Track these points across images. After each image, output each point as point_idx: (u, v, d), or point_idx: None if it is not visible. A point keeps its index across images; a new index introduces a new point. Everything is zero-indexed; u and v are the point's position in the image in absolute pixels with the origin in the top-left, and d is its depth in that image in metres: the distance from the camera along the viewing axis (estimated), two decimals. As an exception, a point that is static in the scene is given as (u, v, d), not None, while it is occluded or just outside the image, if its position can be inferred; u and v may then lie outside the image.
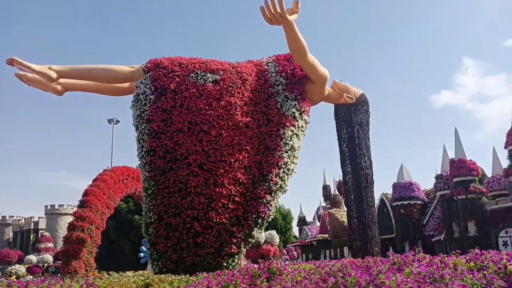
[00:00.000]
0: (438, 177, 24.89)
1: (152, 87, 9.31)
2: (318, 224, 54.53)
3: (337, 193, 63.14)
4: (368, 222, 10.20)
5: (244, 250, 8.97)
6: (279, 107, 9.61)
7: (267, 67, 10.02)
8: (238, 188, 8.84)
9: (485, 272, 3.57)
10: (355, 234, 10.31)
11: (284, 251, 51.05)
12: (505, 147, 23.89)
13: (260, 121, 9.47)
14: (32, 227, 79.82)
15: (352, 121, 10.97)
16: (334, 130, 11.37)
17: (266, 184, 9.04)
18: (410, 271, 3.98)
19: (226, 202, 8.66)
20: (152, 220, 8.72)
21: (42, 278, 6.72)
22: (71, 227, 13.13)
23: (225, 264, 8.57)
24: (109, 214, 14.94)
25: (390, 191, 30.42)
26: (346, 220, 37.75)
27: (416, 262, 4.30)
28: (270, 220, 9.35)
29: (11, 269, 25.79)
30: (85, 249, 12.84)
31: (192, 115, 9.05)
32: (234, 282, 4.26)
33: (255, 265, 4.87)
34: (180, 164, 8.78)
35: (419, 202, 28.06)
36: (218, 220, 8.51)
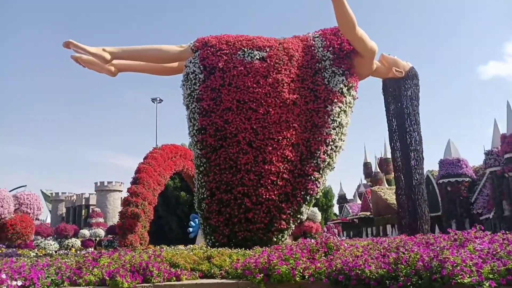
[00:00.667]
0: (488, 153, 23.85)
1: (201, 66, 9.45)
2: (359, 201, 54.01)
3: (378, 170, 62.07)
4: (418, 199, 10.04)
5: (293, 226, 9.12)
6: (327, 83, 9.51)
7: (313, 42, 9.88)
8: (286, 165, 8.93)
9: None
10: (404, 211, 10.21)
11: (325, 228, 51.24)
12: None
13: (307, 97, 9.43)
14: (83, 203, 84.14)
15: (401, 95, 10.70)
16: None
17: (314, 161, 9.07)
18: (473, 248, 3.95)
19: (275, 179, 8.79)
20: (205, 196, 9.01)
21: (112, 250, 7.23)
22: (126, 202, 13.81)
23: (275, 239, 8.77)
24: (159, 190, 15.54)
25: (436, 167, 29.55)
26: (389, 198, 37.33)
27: (478, 239, 4.25)
28: (318, 197, 9.43)
29: (68, 242, 27.57)
30: (140, 224, 13.50)
31: (240, 93, 9.14)
32: (294, 256, 4.39)
33: (313, 240, 4.98)
34: (230, 142, 8.95)
35: (467, 179, 27.10)
36: (267, 196, 8.67)
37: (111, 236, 36.27)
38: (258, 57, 9.42)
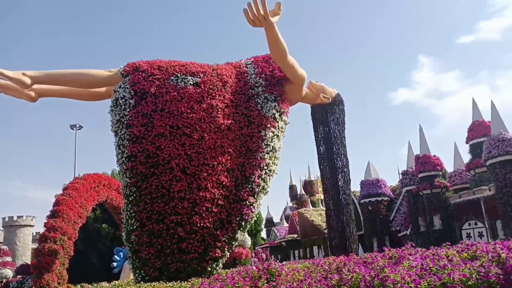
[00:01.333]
0: (404, 173, 25.82)
1: (131, 91, 9.16)
2: (286, 224, 55.05)
3: (303, 192, 64.08)
4: (347, 220, 10.48)
5: (228, 253, 8.98)
6: (260, 108, 9.71)
7: (246, 69, 10.09)
8: (221, 191, 8.84)
9: (479, 261, 3.81)
10: (334, 232, 10.57)
11: (253, 253, 51.19)
12: (466, 142, 25.12)
13: (242, 123, 9.53)
14: (-12, 240, 75.73)
15: (328, 120, 11.25)
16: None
17: (249, 186, 9.10)
18: (408, 264, 4.18)
19: (209, 206, 8.64)
20: (134, 227, 8.56)
21: None
22: (43, 238, 12.59)
23: (210, 269, 8.55)
24: (81, 223, 14.45)
25: (358, 188, 31.24)
26: (315, 219, 38.56)
27: (411, 256, 4.51)
28: (252, 222, 9.43)
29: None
30: (58, 261, 12.33)
31: (173, 118, 8.98)
32: (236, 285, 4.30)
33: (254, 267, 4.93)
34: (163, 169, 8.68)
35: (386, 198, 28.98)
36: (202, 224, 8.48)
37: (20, 276, 32.83)
38: (191, 83, 9.37)
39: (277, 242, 50.47)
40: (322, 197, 68.90)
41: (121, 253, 15.66)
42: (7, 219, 73.44)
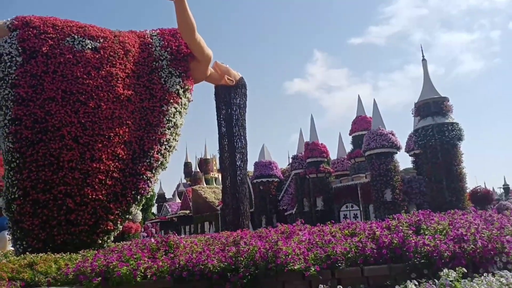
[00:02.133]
0: (294, 158, 27.51)
1: (19, 48, 8.26)
2: (178, 200, 54.95)
3: (198, 170, 64.36)
4: (241, 197, 10.92)
5: (121, 226, 8.76)
6: (163, 82, 9.49)
7: (151, 40, 9.74)
8: (117, 163, 8.52)
9: (358, 237, 4.37)
10: (229, 208, 10.95)
11: (142, 228, 50.16)
12: (350, 134, 27.65)
13: (143, 95, 9.23)
14: None
15: (231, 102, 11.48)
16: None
17: (147, 160, 8.92)
18: (298, 239, 4.60)
19: (103, 178, 8.29)
20: (16, 196, 7.85)
21: None
22: None
23: (100, 242, 8.26)
24: None
25: (251, 169, 32.42)
26: (208, 196, 39.12)
27: (301, 231, 4.96)
28: (148, 196, 9.31)
29: None
30: None
31: (67, 83, 8.33)
32: (134, 256, 4.30)
33: (152, 239, 4.96)
34: (52, 136, 8.04)
35: (276, 179, 30.60)
36: (94, 196, 8.11)
37: None
38: (90, 47, 8.76)
39: (168, 217, 50.17)
40: (216, 175, 70.12)
41: (-6, 225, 14.19)
42: None
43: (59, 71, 8.32)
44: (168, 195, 65.85)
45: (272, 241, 4.22)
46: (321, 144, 25.88)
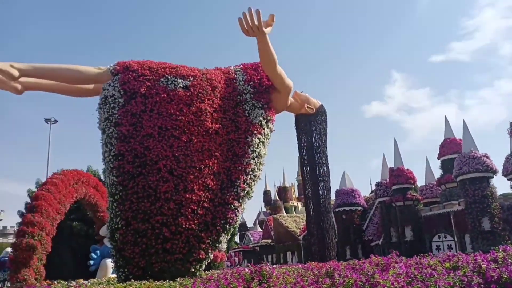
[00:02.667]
0: (378, 185, 26.51)
1: (121, 90, 9.18)
2: (259, 229, 55.32)
3: (277, 198, 64.55)
4: (326, 227, 10.75)
5: (211, 255, 9.09)
6: (247, 115, 9.89)
7: (235, 75, 10.27)
8: (207, 194, 8.96)
9: (461, 271, 4.10)
10: (314, 238, 10.82)
11: (226, 257, 51.13)
12: (438, 158, 26.05)
13: (229, 128, 9.68)
14: (-51, 233, 72.66)
15: (311, 130, 11.54)
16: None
17: (234, 190, 9.25)
18: (394, 272, 4.43)
19: (195, 208, 8.74)
20: (119, 225, 8.56)
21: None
22: (21, 233, 12.31)
23: (193, 270, 8.63)
24: (59, 220, 14.18)
25: (332, 197, 31.81)
26: (289, 225, 38.92)
27: (397, 264, 4.77)
28: (236, 226, 9.59)
29: None
30: (35, 257, 12.09)
31: (162, 120, 9.05)
32: (231, 286, 4.45)
33: (245, 269, 5.09)
34: (150, 169, 8.73)
35: (360, 208, 29.61)
36: (187, 225, 8.56)
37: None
38: (181, 86, 9.46)
39: (251, 246, 50.61)
40: (296, 203, 69.72)
41: (98, 251, 15.50)
42: (-30, 212, 70.73)
43: (155, 110, 9.08)
44: (249, 224, 66.60)
45: (368, 273, 4.11)
46: (407, 169, 24.69)
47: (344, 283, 3.99)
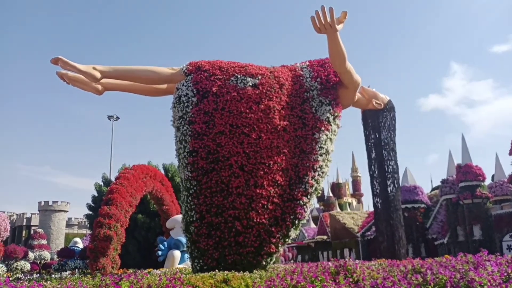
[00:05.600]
0: (444, 182, 25.45)
1: (194, 90, 9.58)
2: (312, 225, 54.98)
3: (331, 195, 63.69)
4: (396, 224, 10.58)
5: (281, 249, 9.29)
6: (314, 111, 9.94)
7: (302, 72, 10.34)
8: (276, 189, 9.15)
9: None
10: (383, 236, 10.69)
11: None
12: (510, 154, 24.48)
13: (296, 125, 9.80)
14: (24, 223, 79.05)
15: (379, 126, 11.36)
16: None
17: (303, 186, 9.36)
18: (486, 270, 4.34)
19: (265, 203, 8.96)
20: (194, 219, 8.98)
21: (128, 274, 7.05)
22: (98, 224, 13.28)
23: (264, 263, 8.89)
24: (131, 212, 15.10)
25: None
26: (347, 222, 38.39)
27: (488, 262, 4.66)
28: (305, 221, 9.71)
29: (17, 265, 25.72)
30: (112, 246, 13.02)
31: (233, 118, 9.34)
32: (319, 278, 4.58)
33: (329, 263, 5.19)
34: (222, 165, 9.06)
35: (423, 205, 28.59)
36: (258, 220, 8.81)
37: (58, 259, 34.31)
38: (250, 84, 9.70)
39: (306, 242, 50.45)
40: (350, 200, 68.43)
41: (165, 243, 16.28)
42: (42, 203, 76.43)
43: (226, 108, 9.40)
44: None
45: (461, 270, 4.07)
46: (476, 166, 23.49)
47: (436, 280, 3.98)
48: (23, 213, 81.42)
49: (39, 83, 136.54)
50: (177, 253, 15.79)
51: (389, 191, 10.81)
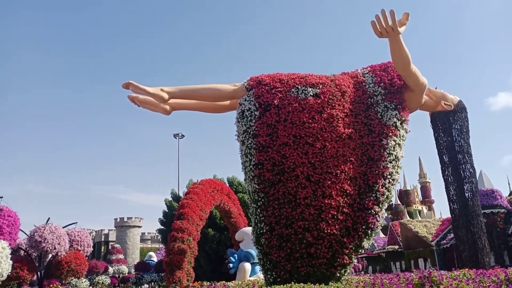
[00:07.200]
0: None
1: (256, 104, 9.73)
2: (381, 235, 52.96)
3: (399, 202, 61.03)
4: (477, 231, 9.90)
5: (355, 260, 9.04)
6: (380, 117, 9.67)
7: (364, 78, 10.14)
8: (345, 199, 8.96)
9: None
10: (464, 244, 10.03)
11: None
12: None
13: (362, 132, 9.58)
14: (102, 239, 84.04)
15: (451, 128, 10.78)
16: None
17: (373, 195, 9.09)
18: None
19: (335, 213, 8.80)
20: (264, 231, 9.03)
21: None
22: (172, 238, 13.86)
23: (338, 275, 8.70)
24: (202, 225, 15.59)
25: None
26: (419, 231, 36.50)
27: None
28: (377, 230, 9.40)
29: (98, 279, 27.36)
30: (186, 260, 13.48)
31: (296, 128, 9.34)
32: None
33: (412, 274, 4.97)
34: (288, 176, 9.06)
35: (503, 210, 26.47)
36: (329, 231, 8.66)
37: (135, 272, 36.02)
38: (311, 94, 9.67)
39: (376, 252, 48.68)
40: (420, 207, 65.14)
41: (235, 255, 16.51)
42: (118, 219, 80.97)
43: (289, 119, 9.43)
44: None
45: None
46: None
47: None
48: (101, 230, 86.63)
49: (109, 107, 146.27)
50: (247, 266, 15.94)
51: (467, 197, 10.17)
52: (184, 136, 55.48)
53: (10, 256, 12.13)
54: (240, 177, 35.31)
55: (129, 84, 9.83)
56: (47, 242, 15.26)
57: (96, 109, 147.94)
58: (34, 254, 16.05)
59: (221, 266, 27.03)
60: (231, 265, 16.12)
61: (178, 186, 50.51)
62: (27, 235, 16.31)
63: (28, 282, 16.83)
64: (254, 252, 15.88)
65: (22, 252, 15.84)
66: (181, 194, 34.33)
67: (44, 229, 15.37)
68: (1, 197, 13.30)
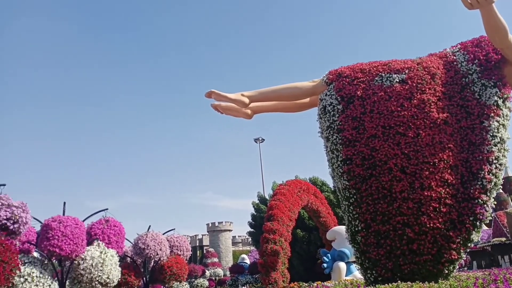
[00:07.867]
0: None
1: (338, 97, 9.41)
2: (484, 227, 48.71)
3: (501, 191, 55.58)
4: None
5: (464, 256, 8.29)
6: (478, 97, 8.80)
7: (454, 57, 9.31)
8: (447, 189, 8.26)
9: None
10: None
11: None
12: None
13: (459, 115, 8.79)
14: (197, 244, 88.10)
15: None
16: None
17: (479, 183, 8.28)
18: None
19: (437, 205, 8.15)
20: (359, 228, 8.67)
21: None
22: (265, 240, 14.00)
23: (446, 272, 8.06)
24: (292, 226, 15.54)
25: None
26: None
27: None
28: (487, 222, 8.53)
29: (197, 283, 28.64)
30: (280, 261, 13.52)
31: (384, 118, 8.84)
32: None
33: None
34: (380, 170, 8.60)
35: None
36: (431, 225, 8.04)
37: (230, 275, 37.12)
38: (397, 80, 9.10)
39: (480, 246, 44.80)
40: (529, 194, 58.68)
41: (329, 255, 16.18)
42: (210, 224, 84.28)
43: (375, 110, 8.95)
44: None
45: None
46: None
47: None
48: (195, 235, 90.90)
49: (192, 117, 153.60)
50: (343, 265, 15.52)
51: None
52: (264, 140, 56.28)
53: (119, 263, 13.17)
54: (322, 176, 34.74)
55: (212, 93, 10.08)
56: (150, 248, 16.33)
57: (181, 122, 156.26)
58: (138, 260, 17.31)
59: (313, 266, 26.76)
60: (325, 265, 15.81)
61: (263, 188, 51.33)
62: (131, 243, 17.60)
63: (135, 287, 18.29)
64: (348, 251, 15.40)
65: (128, 259, 17.15)
66: (266, 197, 34.70)
67: (147, 237, 16.48)
68: (107, 209, 14.48)
